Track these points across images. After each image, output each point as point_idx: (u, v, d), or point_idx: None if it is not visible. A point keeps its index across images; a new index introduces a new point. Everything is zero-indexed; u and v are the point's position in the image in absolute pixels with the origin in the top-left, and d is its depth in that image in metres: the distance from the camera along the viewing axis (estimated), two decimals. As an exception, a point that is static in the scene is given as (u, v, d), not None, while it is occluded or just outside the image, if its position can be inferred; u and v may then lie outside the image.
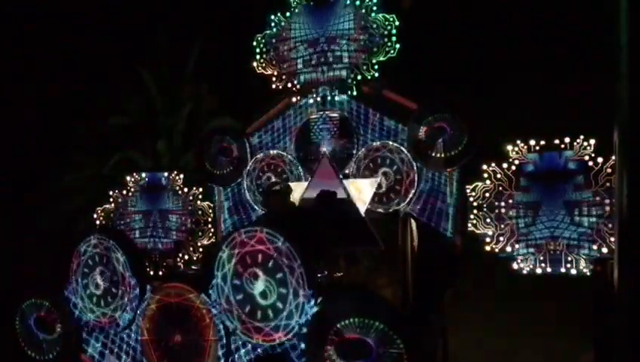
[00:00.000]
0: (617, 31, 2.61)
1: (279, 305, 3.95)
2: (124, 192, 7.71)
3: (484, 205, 5.67)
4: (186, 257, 7.45)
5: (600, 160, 5.20)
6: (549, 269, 5.40)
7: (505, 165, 5.60)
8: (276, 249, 3.93)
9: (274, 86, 7.49)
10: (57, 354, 4.92)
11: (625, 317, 2.49)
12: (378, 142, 6.99)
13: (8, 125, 13.18)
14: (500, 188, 5.61)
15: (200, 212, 7.45)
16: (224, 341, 4.21)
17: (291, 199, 5.81)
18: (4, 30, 13.31)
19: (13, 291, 5.22)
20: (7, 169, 12.91)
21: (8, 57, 13.47)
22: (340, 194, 6.66)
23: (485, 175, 5.70)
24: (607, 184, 5.14)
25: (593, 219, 5.21)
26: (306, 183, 6.97)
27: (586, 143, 5.30)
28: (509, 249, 5.55)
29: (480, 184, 5.71)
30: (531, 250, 5.48)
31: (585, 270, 5.23)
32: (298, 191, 6.91)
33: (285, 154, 7.44)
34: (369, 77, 6.99)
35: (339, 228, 5.37)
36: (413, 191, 6.79)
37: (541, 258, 5.42)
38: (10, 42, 13.58)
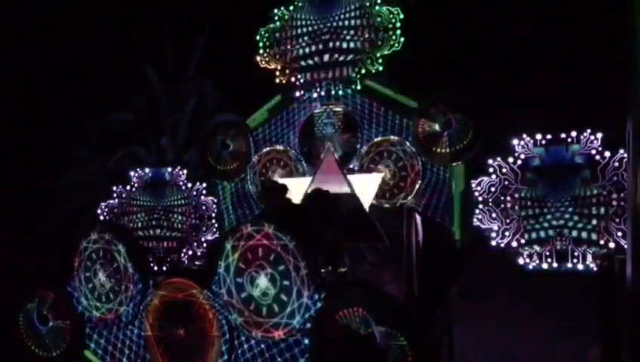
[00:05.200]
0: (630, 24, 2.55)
1: (284, 296, 3.91)
2: (128, 188, 7.70)
3: (490, 200, 5.62)
4: (190, 252, 7.43)
5: (607, 154, 5.14)
6: (555, 265, 5.35)
7: (511, 159, 5.54)
8: (269, 238, 3.90)
9: (277, 80, 7.44)
10: (61, 350, 4.91)
11: (637, 312, 2.44)
12: (382, 137, 6.94)
13: (11, 121, 13.19)
14: (506, 182, 5.56)
15: (204, 207, 7.43)
16: (227, 336, 4.18)
17: (288, 196, 5.74)
18: (7, 27, 13.31)
19: (17, 287, 5.21)
20: (11, 165, 12.92)
21: (13, 54, 13.48)
22: (344, 189, 6.62)
23: (491, 169, 5.65)
24: (615, 178, 5.08)
25: (600, 214, 5.16)
26: (309, 178, 6.94)
27: (592, 137, 5.24)
28: (514, 244, 5.50)
29: (485, 178, 5.66)
30: (537, 245, 5.43)
31: (592, 265, 5.18)
32: (302, 186, 6.87)
33: (289, 149, 7.40)
34: (373, 70, 6.94)
35: (339, 223, 5.33)
36: (417, 185, 6.74)
37: (547, 253, 5.38)
38: (14, 39, 13.58)
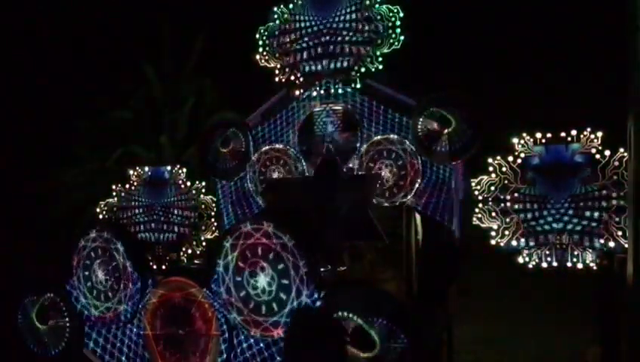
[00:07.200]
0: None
1: (283, 294, 3.90)
2: (127, 186, 7.68)
3: (490, 199, 5.60)
4: (190, 251, 7.41)
5: (607, 152, 5.12)
6: (554, 263, 5.33)
7: (510, 158, 5.52)
8: (268, 237, 3.89)
9: (277, 79, 7.42)
10: (60, 349, 4.90)
11: (637, 311, 2.43)
12: (382, 136, 6.92)
13: (10, 120, 13.19)
14: (506, 181, 5.54)
15: (203, 206, 7.41)
16: (226, 335, 4.17)
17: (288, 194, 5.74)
18: (6, 26, 13.30)
19: (16, 286, 5.20)
20: (10, 164, 12.92)
21: (13, 54, 13.47)
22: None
23: (490, 168, 5.63)
24: (615, 177, 5.06)
25: (600, 213, 5.14)
26: (309, 177, 6.92)
27: (592, 136, 5.22)
28: (514, 243, 5.48)
29: (485, 177, 5.64)
30: (537, 243, 5.41)
31: (591, 264, 5.16)
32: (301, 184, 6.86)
33: (289, 147, 7.38)
34: (373, 69, 6.92)
35: (339, 221, 5.33)
36: (417, 184, 6.72)
37: (547, 252, 5.36)
38: (13, 38, 13.57)
